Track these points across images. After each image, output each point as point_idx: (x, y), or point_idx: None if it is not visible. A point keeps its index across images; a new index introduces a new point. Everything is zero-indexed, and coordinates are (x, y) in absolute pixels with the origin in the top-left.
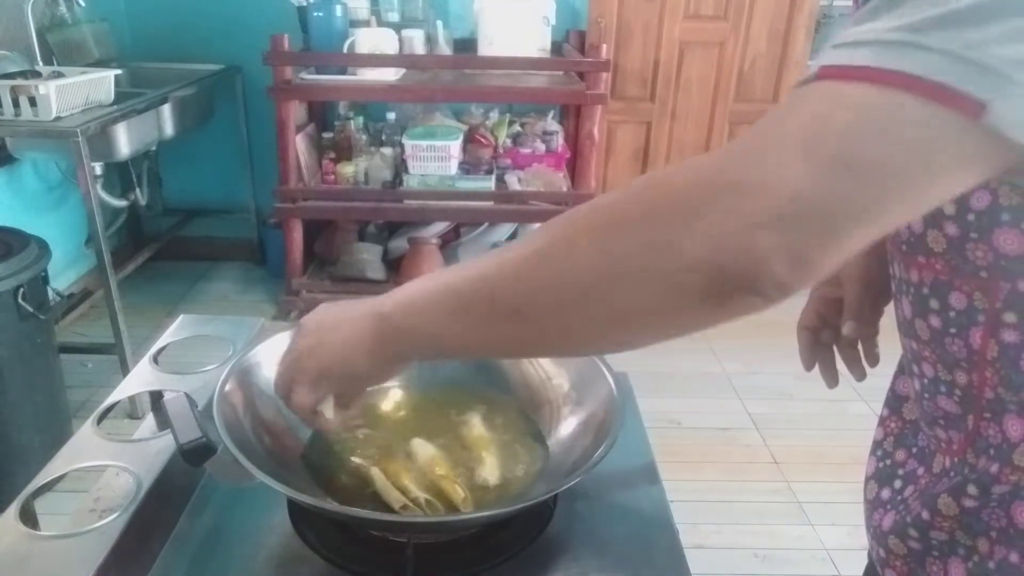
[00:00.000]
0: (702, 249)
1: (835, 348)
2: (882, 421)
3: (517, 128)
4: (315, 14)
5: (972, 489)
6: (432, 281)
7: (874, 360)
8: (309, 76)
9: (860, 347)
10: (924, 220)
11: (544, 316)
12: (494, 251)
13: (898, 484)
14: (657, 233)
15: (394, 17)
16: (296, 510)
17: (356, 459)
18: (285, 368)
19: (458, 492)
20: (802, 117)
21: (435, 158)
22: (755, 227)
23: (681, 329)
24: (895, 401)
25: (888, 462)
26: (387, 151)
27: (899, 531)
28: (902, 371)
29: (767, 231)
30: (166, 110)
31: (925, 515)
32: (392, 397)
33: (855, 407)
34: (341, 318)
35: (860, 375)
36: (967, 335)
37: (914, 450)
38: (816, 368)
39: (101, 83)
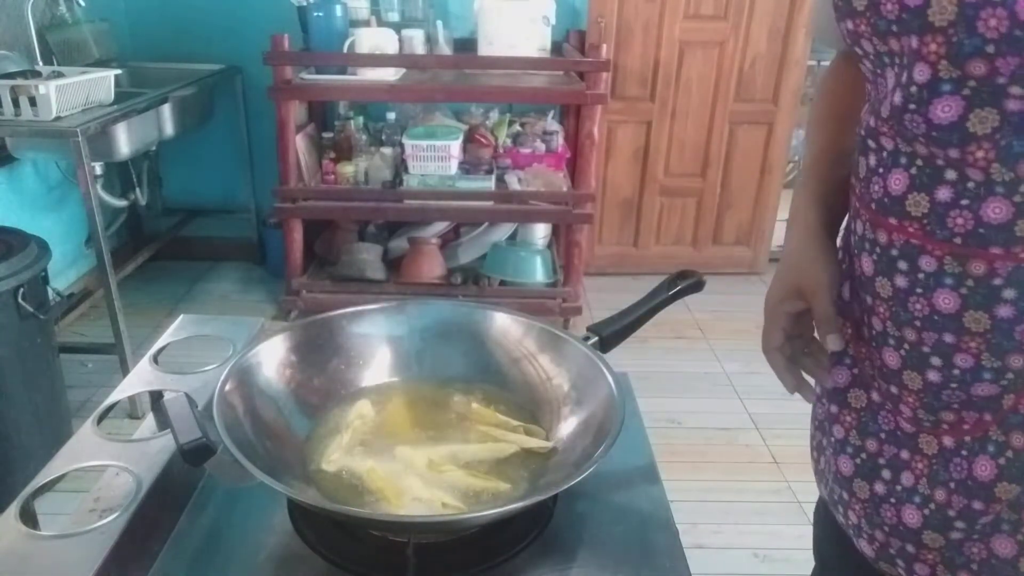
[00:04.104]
0: None
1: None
2: (834, 419)
3: (517, 128)
4: (315, 14)
5: None
6: None
7: (827, 357)
8: (309, 76)
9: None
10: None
11: None
12: None
13: (887, 475)
14: None
15: (394, 17)
16: (296, 510)
17: (355, 460)
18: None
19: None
20: None
21: (435, 158)
22: None
23: None
24: (838, 395)
25: (864, 456)
26: (387, 151)
27: (939, 526)
28: (839, 362)
29: None
30: (166, 110)
31: (978, 505)
32: (392, 396)
33: None
34: None
35: (827, 381)
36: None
37: (882, 435)
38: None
39: (101, 83)
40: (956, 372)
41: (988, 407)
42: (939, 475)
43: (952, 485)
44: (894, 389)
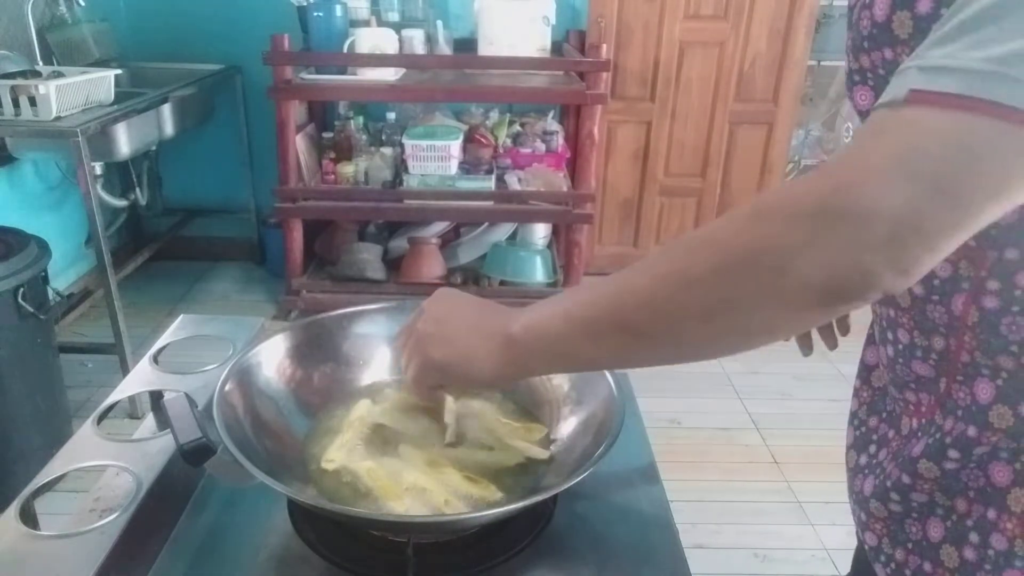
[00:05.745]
0: (817, 274)
1: None
2: (856, 392)
3: (517, 128)
4: (315, 14)
5: (953, 453)
6: (557, 306)
7: (845, 329)
8: (309, 76)
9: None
10: None
11: (668, 335)
12: (613, 276)
13: (873, 449)
14: (772, 262)
15: (394, 17)
16: (296, 510)
17: (355, 460)
18: (412, 344)
19: (490, 490)
20: (897, 145)
21: (435, 158)
22: (865, 251)
23: (791, 333)
24: (864, 371)
25: (863, 430)
26: (387, 151)
27: (880, 495)
28: (871, 341)
29: (876, 254)
30: (166, 110)
31: (906, 479)
32: (392, 396)
33: None
34: (469, 326)
35: (833, 344)
36: (949, 302)
37: (884, 415)
38: (811, 366)
39: (101, 83)
40: (901, 347)
41: (929, 388)
42: (900, 452)
43: (899, 460)
44: (882, 365)
